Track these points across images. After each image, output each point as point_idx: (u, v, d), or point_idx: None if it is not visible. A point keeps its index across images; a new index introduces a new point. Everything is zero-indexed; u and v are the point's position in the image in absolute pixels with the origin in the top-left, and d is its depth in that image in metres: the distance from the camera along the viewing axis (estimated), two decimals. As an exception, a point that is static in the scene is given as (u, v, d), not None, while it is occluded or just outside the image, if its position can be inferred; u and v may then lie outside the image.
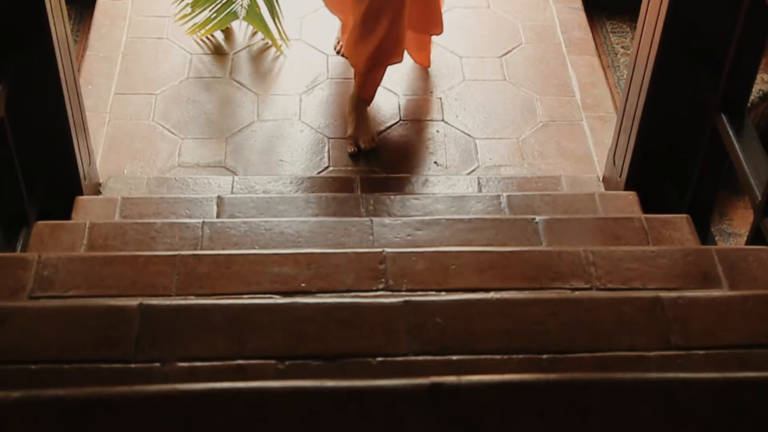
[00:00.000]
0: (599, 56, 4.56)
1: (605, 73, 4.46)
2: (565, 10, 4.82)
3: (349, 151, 3.96)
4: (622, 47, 4.59)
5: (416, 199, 3.52)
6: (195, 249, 2.78)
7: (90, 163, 3.53)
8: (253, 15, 4.36)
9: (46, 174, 3.26)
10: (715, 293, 2.29)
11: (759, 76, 3.89)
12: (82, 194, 3.38)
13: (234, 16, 4.36)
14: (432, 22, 4.09)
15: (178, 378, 1.91)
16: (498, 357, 2.00)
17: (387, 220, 2.97)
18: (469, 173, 3.92)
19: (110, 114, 4.12)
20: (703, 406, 1.61)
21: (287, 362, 1.95)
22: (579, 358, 2.02)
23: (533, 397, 1.61)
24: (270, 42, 4.43)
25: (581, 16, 4.79)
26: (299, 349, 1.98)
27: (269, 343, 1.98)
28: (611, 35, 4.69)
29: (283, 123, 4.10)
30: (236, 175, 3.85)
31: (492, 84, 4.37)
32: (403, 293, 2.33)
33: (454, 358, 1.99)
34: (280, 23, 4.35)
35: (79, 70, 4.01)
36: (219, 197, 3.27)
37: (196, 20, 4.39)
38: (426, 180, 3.83)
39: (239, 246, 2.80)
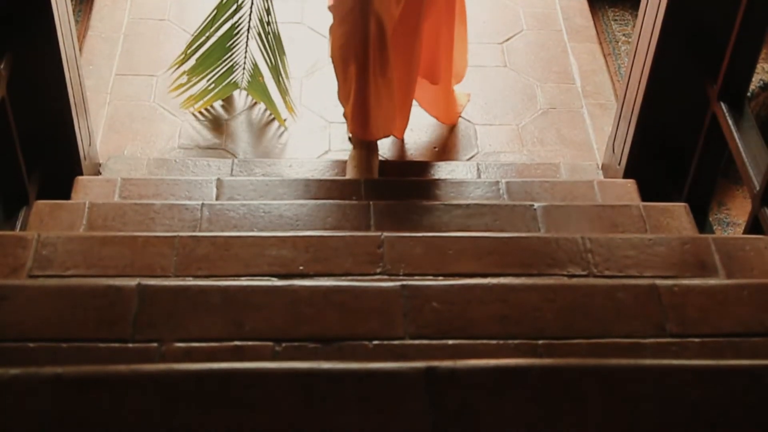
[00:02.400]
0: (600, 44, 4.55)
1: (606, 61, 4.46)
2: (567, -3, 4.82)
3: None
4: (624, 35, 4.58)
5: (415, 184, 3.52)
6: (194, 231, 2.79)
7: (90, 144, 3.53)
8: (255, 86, 4.04)
9: (47, 154, 3.26)
10: (712, 282, 2.30)
11: (759, 66, 3.90)
12: (82, 174, 3.38)
13: (234, 86, 4.07)
14: (432, 69, 3.75)
15: (175, 358, 1.92)
16: (494, 342, 2.01)
17: (386, 205, 2.98)
18: (468, 159, 3.92)
19: (111, 95, 4.12)
20: (697, 393, 1.61)
21: (284, 344, 1.96)
22: (575, 344, 2.03)
23: (528, 382, 1.62)
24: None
25: (583, 4, 4.78)
26: (296, 331, 1.99)
27: (266, 325, 1.99)
28: (613, 23, 4.68)
29: (283, 106, 4.10)
30: (236, 157, 3.86)
31: (492, 70, 4.37)
32: (401, 277, 2.34)
33: (450, 342, 2.00)
34: (288, 94, 4.01)
35: (80, 50, 4.01)
36: (218, 179, 3.27)
37: (192, 91, 4.02)
38: (425, 165, 3.83)
39: (238, 228, 2.81)
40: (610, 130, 3.71)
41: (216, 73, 3.99)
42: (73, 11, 3.77)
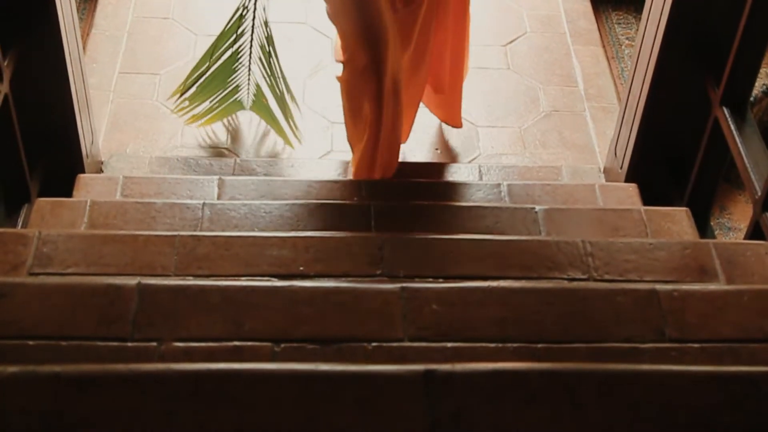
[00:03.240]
0: (604, 47, 4.55)
1: (609, 64, 4.45)
2: (570, 0, 4.81)
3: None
4: (627, 38, 4.58)
5: (416, 185, 3.52)
6: (195, 230, 2.79)
7: (92, 142, 3.53)
8: (260, 106, 3.98)
9: (49, 151, 3.27)
10: (712, 287, 2.30)
11: (762, 70, 3.89)
12: (84, 172, 3.38)
13: (239, 105, 4.00)
14: (437, 80, 3.73)
15: (174, 358, 1.92)
16: (493, 345, 2.01)
17: (386, 206, 2.97)
18: (470, 161, 3.92)
19: (114, 93, 4.12)
20: (696, 398, 1.61)
21: (283, 345, 1.96)
22: (574, 348, 2.02)
23: (526, 386, 1.62)
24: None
25: (587, 7, 4.78)
26: (295, 332, 1.99)
27: (266, 326, 1.99)
28: (616, 26, 4.68)
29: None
30: (238, 157, 3.86)
31: (496, 72, 4.37)
32: (401, 279, 2.34)
33: (449, 344, 2.00)
34: (294, 122, 3.96)
35: (84, 48, 4.01)
36: (220, 179, 3.28)
37: (195, 111, 3.97)
38: (427, 166, 3.83)
39: (239, 228, 2.81)
40: (612, 133, 3.71)
41: (219, 95, 3.96)
42: (78, 9, 3.77)
